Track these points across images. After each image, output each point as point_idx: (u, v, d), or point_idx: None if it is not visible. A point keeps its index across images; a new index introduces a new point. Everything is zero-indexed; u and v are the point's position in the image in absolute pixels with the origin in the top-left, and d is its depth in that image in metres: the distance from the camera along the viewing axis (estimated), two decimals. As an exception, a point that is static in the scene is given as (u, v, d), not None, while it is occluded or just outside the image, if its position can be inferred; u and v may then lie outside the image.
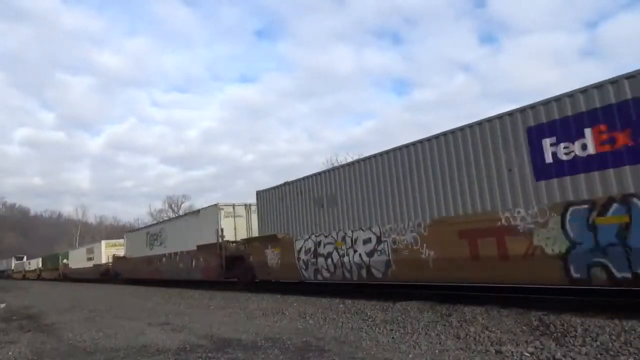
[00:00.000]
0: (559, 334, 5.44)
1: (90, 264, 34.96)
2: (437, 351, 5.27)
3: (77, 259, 39.35)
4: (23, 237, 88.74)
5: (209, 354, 5.67)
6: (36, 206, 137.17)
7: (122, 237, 31.86)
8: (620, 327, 5.32)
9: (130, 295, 17.93)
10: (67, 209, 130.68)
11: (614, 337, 5.04)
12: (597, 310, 6.29)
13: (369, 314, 8.03)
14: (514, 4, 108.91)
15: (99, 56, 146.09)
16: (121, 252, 30.18)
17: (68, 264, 41.45)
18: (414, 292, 9.65)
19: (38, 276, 52.56)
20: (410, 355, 5.15)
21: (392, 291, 10.54)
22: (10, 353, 6.76)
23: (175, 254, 20.96)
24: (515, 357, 4.77)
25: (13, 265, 68.72)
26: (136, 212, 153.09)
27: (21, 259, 67.56)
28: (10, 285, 36.01)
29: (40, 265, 53.21)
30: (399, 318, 7.40)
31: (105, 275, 31.77)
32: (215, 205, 17.98)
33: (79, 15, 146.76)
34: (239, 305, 10.97)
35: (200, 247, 18.15)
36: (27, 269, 59.64)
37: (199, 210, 20.29)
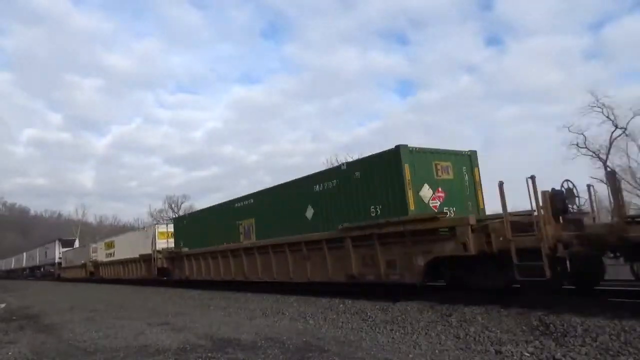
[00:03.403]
0: (559, 334, 5.44)
1: None
2: (437, 351, 5.28)
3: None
4: (23, 237, 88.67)
5: (209, 354, 5.67)
6: (37, 206, 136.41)
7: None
8: (620, 327, 5.32)
9: (130, 295, 17.94)
10: (70, 209, 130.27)
11: (614, 337, 5.04)
12: (597, 310, 6.28)
13: (369, 314, 8.03)
14: (519, 6, 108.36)
15: (108, 58, 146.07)
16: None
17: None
18: (414, 292, 9.64)
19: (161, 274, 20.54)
20: (410, 355, 5.16)
21: (392, 291, 10.53)
22: (10, 353, 6.76)
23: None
24: (515, 357, 4.78)
25: (58, 255, 38.67)
26: (136, 212, 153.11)
27: (71, 243, 39.85)
28: (11, 285, 35.74)
29: (145, 248, 22.11)
30: (399, 318, 7.39)
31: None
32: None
33: (89, 17, 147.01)
34: (239, 305, 10.97)
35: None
36: (100, 257, 29.48)
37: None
